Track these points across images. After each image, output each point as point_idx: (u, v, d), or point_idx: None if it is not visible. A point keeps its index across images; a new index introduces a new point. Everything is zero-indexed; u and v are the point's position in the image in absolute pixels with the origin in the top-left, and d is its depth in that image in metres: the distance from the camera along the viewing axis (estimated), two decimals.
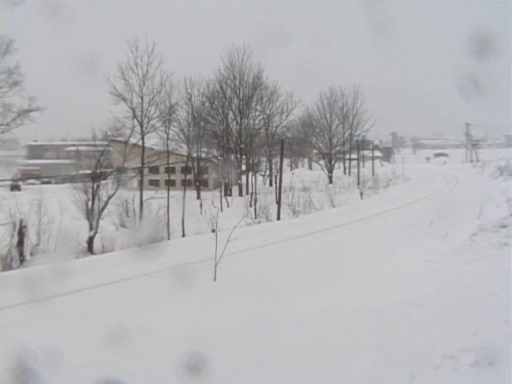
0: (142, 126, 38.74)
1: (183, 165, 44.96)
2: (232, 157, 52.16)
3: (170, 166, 42.27)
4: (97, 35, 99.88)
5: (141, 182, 38.87)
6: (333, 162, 65.83)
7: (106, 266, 16.40)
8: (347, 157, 73.55)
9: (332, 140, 67.99)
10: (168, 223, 30.84)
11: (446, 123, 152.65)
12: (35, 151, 79.03)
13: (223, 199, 42.19)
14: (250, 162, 52.55)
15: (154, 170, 44.88)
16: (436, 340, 7.22)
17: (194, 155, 46.97)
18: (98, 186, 28.49)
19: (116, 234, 27.15)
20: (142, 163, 38.57)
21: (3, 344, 8.21)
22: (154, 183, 45.52)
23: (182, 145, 45.65)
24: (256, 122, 54.77)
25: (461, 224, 19.33)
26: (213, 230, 19.63)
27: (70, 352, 8.16)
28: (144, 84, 38.66)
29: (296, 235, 21.74)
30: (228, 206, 41.67)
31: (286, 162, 58.88)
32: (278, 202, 32.53)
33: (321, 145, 68.53)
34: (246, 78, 52.68)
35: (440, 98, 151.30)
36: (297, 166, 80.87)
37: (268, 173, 58.15)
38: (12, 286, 12.04)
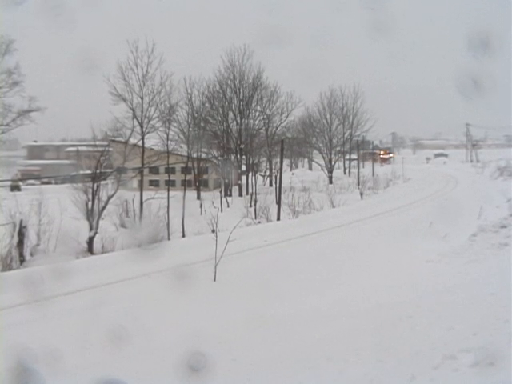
0: (141, 126, 38.78)
1: (183, 165, 44.96)
2: (232, 157, 52.14)
3: (170, 166, 42.26)
4: (97, 35, 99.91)
5: (141, 182, 38.88)
6: (333, 163, 65.95)
7: (105, 266, 16.38)
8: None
9: (332, 140, 68.01)
10: (168, 223, 30.83)
11: (445, 123, 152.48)
12: (35, 151, 78.97)
13: (223, 199, 42.19)
14: (250, 162, 52.54)
15: (154, 170, 44.89)
16: (436, 340, 7.22)
17: (194, 155, 46.96)
18: (97, 187, 28.49)
19: (116, 234, 27.13)
20: (142, 163, 38.58)
21: (3, 344, 8.20)
22: (154, 183, 45.53)
23: (182, 145, 45.64)
24: (256, 122, 54.79)
25: (461, 224, 19.34)
26: (213, 231, 19.64)
27: (70, 352, 8.17)
28: (144, 84, 38.77)
29: (296, 235, 21.70)
30: (228, 206, 41.66)
31: (285, 162, 58.82)
32: (278, 203, 32.53)
33: (321, 145, 68.53)
34: (246, 78, 52.71)
35: (440, 98, 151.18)
36: (297, 167, 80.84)
37: (268, 173, 58.13)
38: (12, 286, 12.03)
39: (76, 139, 66.41)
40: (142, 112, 38.66)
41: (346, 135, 70.52)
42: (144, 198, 35.06)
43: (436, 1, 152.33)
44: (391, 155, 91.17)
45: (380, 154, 72.73)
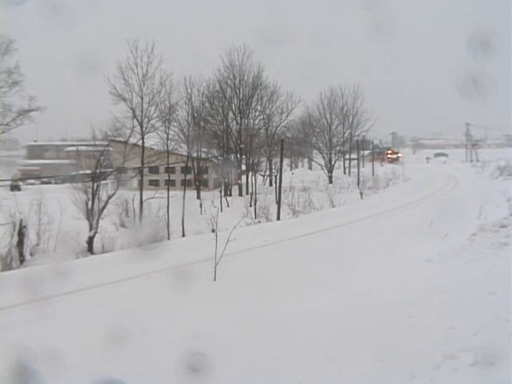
0: (141, 126, 38.80)
1: (183, 165, 44.96)
2: (232, 157, 52.15)
3: (170, 165, 42.27)
4: (97, 35, 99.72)
5: (141, 182, 38.87)
6: (332, 162, 65.98)
7: (105, 265, 16.40)
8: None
9: (332, 140, 68.00)
10: (168, 223, 30.84)
11: (445, 123, 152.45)
12: (35, 151, 78.95)
13: (223, 199, 42.19)
14: (250, 161, 52.54)
15: (154, 169, 44.88)
16: (436, 340, 7.22)
17: (194, 155, 46.98)
18: (97, 186, 28.50)
19: (116, 234, 27.12)
20: (142, 163, 38.58)
21: (3, 344, 8.20)
22: (154, 183, 45.51)
23: (182, 145, 45.66)
24: (256, 121, 54.83)
25: (461, 224, 19.31)
26: (213, 230, 19.60)
27: (69, 352, 8.16)
28: (144, 84, 38.82)
29: (296, 235, 21.72)
30: (228, 205, 41.66)
31: (285, 161, 58.84)
32: (278, 202, 32.52)
33: (321, 145, 68.53)
34: (245, 77, 52.75)
35: (440, 98, 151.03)
36: (297, 166, 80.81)
37: (268, 173, 58.13)
38: (12, 285, 12.03)
39: (76, 139, 66.29)
40: (141, 112, 38.71)
41: (346, 135, 70.52)
42: (144, 198, 35.06)
43: (436, 1, 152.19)
44: (399, 155, 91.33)
45: (388, 154, 72.59)
